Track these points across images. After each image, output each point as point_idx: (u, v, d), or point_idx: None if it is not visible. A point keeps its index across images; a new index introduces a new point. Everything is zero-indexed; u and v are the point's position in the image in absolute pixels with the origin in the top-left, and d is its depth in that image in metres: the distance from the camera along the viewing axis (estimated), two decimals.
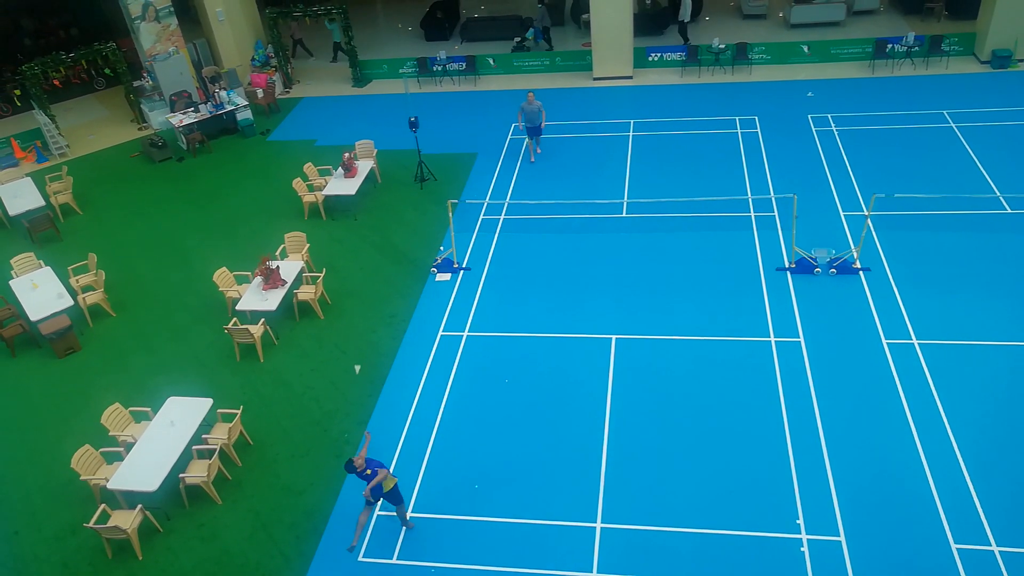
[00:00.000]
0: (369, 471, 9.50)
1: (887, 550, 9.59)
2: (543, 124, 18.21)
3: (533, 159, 18.73)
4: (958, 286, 13.47)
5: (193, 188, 19.48)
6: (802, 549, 9.70)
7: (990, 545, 9.53)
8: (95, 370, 13.87)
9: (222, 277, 14.65)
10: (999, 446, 10.68)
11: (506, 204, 17.10)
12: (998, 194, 15.64)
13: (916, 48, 21.12)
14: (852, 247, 14.43)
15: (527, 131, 18.45)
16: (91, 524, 10.28)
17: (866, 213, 14.32)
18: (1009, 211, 15.21)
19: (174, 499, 11.13)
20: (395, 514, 10.46)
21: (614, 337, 13.20)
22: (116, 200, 19.22)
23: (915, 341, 12.49)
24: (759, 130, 19.05)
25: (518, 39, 24.48)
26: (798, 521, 10.02)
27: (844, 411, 11.44)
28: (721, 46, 22.02)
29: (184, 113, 21.56)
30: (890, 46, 21.33)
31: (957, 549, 9.53)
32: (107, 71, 24.21)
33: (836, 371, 12.10)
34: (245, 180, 19.57)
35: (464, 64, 23.47)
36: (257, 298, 14.07)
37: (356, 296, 14.95)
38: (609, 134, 19.68)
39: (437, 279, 15.06)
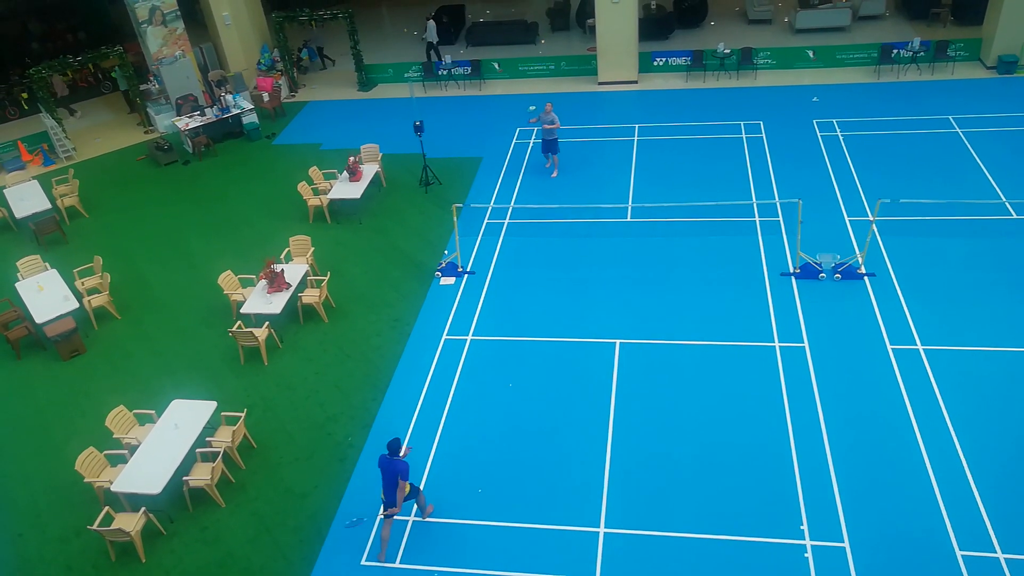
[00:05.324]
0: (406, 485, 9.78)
1: (891, 556, 9.55)
2: (555, 136, 17.66)
3: (551, 168, 18.31)
4: (963, 292, 13.43)
5: (198, 191, 19.54)
6: (806, 555, 9.67)
7: (995, 552, 9.48)
8: (100, 372, 13.90)
9: (227, 280, 14.68)
10: (1005, 452, 10.63)
11: (511, 208, 17.11)
12: (1004, 200, 15.60)
13: (922, 53, 21.10)
14: (857, 252, 14.40)
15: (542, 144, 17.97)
16: (95, 526, 10.29)
17: (871, 218, 14.28)
18: (1015, 217, 15.16)
19: (178, 502, 11.14)
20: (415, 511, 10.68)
21: (618, 341, 13.19)
22: (122, 203, 19.29)
23: (920, 347, 12.45)
24: (764, 135, 19.04)
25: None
26: (802, 527, 9.99)
27: (848, 416, 11.40)
28: (726, 51, 22.02)
29: (190, 117, 21.63)
30: (896, 51, 21.32)
31: (962, 556, 9.48)
32: (113, 74, 24.34)
33: (840, 376, 12.07)
34: (250, 183, 19.62)
35: (469, 68, 23.52)
36: (261, 301, 14.10)
37: (360, 300, 14.96)
38: (614, 139, 19.68)
39: (441, 283, 15.07)
